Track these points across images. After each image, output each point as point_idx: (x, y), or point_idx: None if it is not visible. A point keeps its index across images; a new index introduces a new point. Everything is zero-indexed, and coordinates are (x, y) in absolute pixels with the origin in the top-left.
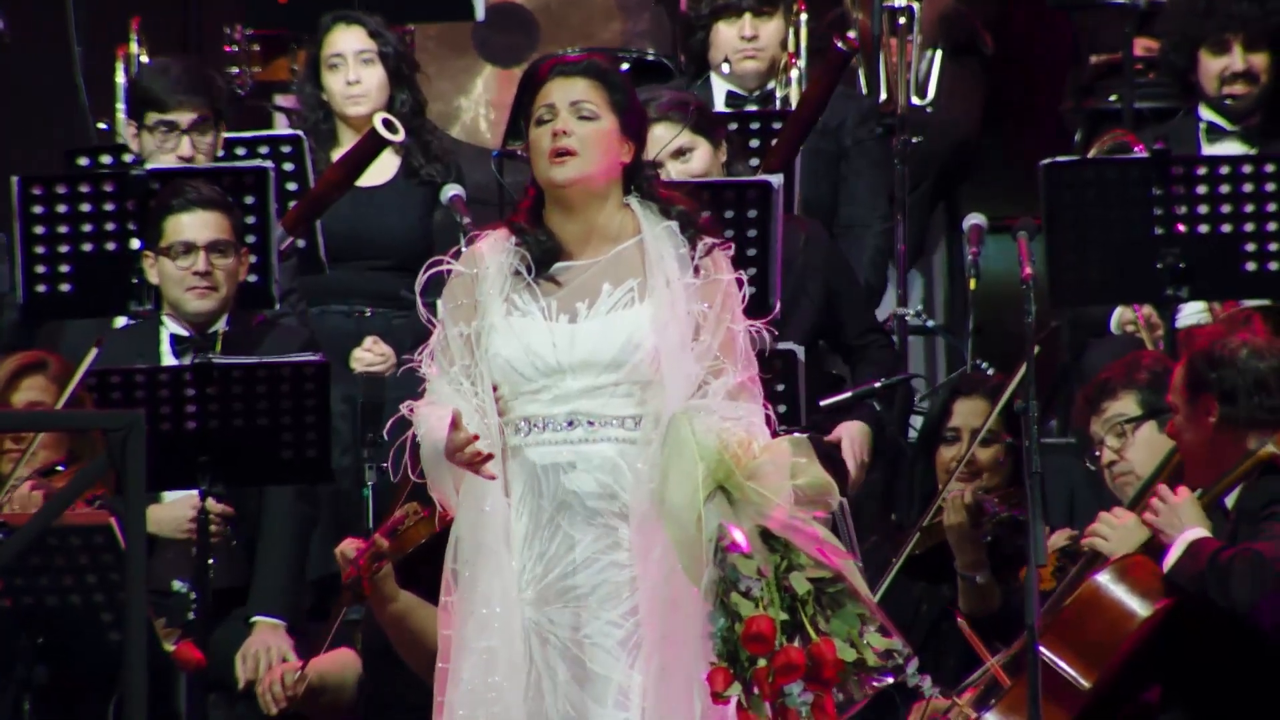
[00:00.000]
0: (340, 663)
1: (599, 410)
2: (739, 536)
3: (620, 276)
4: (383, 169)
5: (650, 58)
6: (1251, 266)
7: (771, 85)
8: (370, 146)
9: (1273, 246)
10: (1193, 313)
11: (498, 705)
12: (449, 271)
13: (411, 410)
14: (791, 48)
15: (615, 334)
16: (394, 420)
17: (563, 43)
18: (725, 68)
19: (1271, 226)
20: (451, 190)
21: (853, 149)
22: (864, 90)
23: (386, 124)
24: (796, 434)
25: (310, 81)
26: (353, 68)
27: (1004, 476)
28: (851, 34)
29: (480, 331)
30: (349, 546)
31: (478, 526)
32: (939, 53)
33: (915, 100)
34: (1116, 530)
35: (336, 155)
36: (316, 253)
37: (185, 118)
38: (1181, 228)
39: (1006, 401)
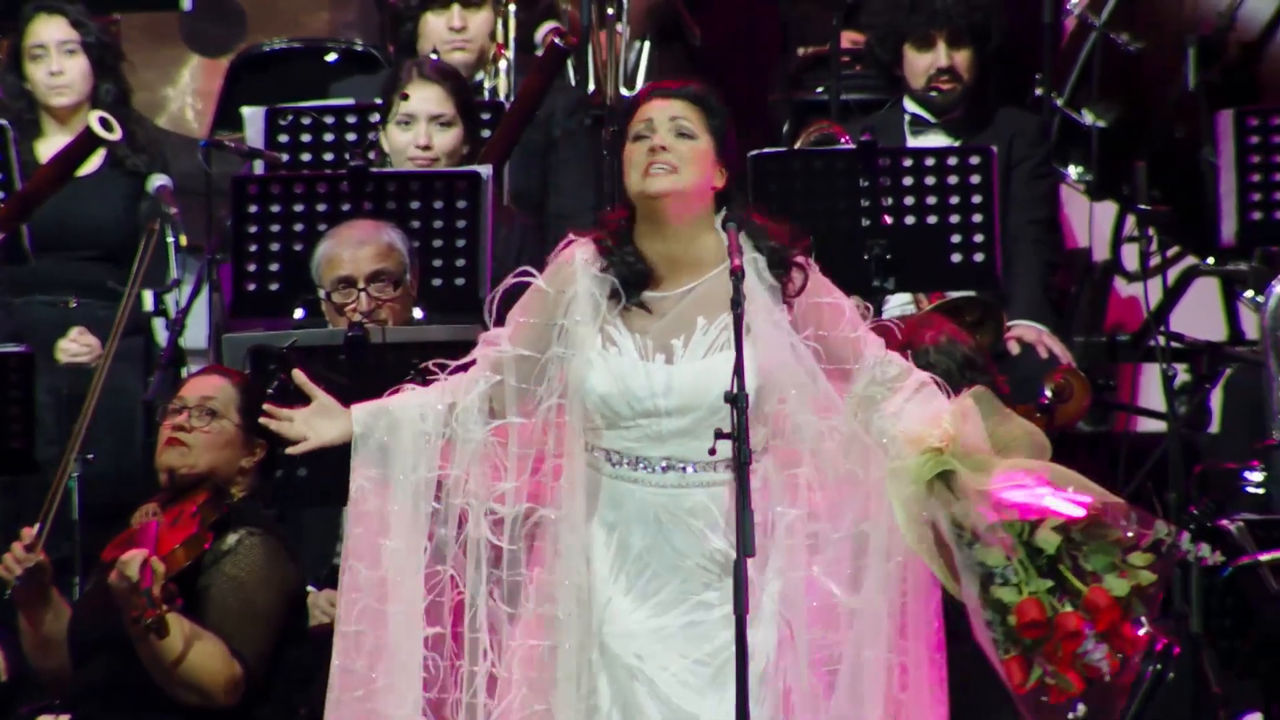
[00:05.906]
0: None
1: (693, 456)
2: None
3: (712, 310)
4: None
5: (359, 48)
6: (957, 258)
7: (480, 76)
8: (85, 145)
9: (978, 238)
10: (899, 304)
11: None
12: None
13: None
14: (500, 39)
15: (713, 380)
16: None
17: (270, 32)
18: (434, 58)
19: (976, 218)
20: (158, 180)
21: (561, 140)
22: (573, 81)
23: (103, 122)
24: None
25: (12, 71)
26: (55, 58)
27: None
28: (569, 35)
29: (565, 359)
30: (128, 578)
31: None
32: (647, 43)
33: (624, 91)
34: None
35: (40, 145)
36: (21, 243)
37: None
38: (888, 219)
39: None
